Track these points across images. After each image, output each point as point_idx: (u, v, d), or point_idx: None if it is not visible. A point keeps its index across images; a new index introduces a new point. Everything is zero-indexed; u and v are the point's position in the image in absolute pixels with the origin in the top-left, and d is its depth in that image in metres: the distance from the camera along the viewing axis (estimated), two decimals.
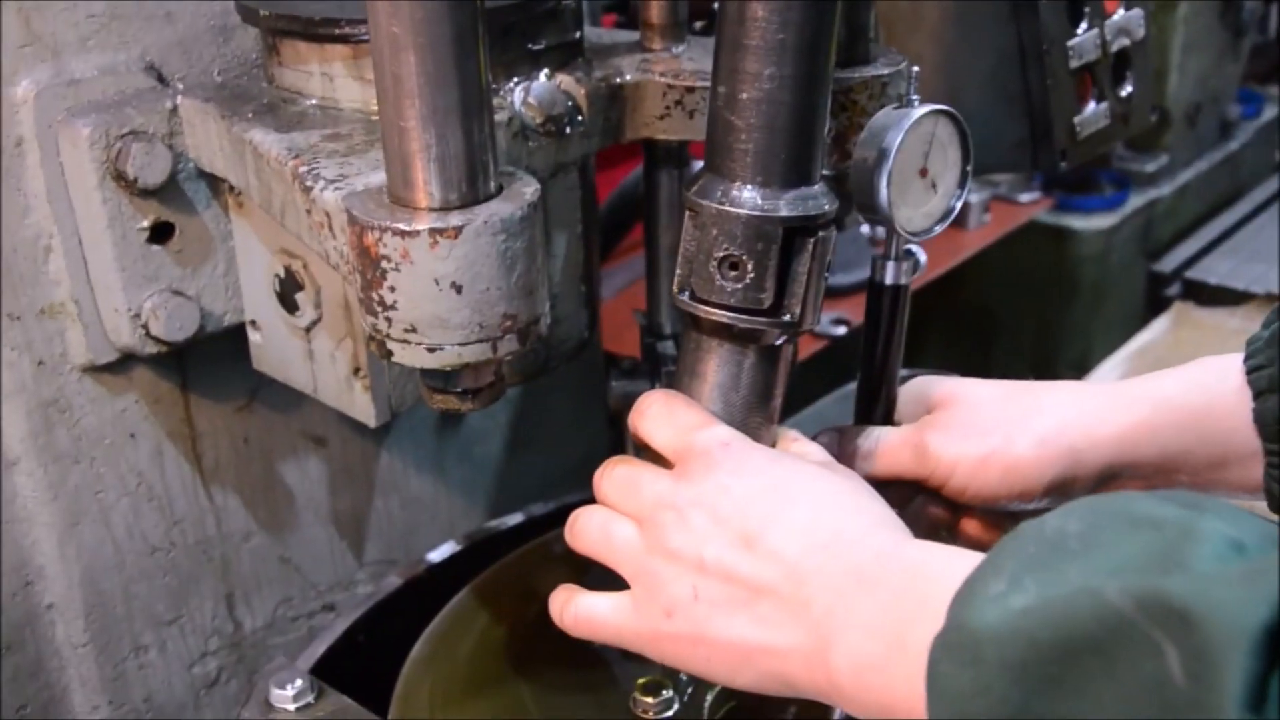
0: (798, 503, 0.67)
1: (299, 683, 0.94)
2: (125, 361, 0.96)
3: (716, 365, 0.76)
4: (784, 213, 0.70)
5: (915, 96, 0.78)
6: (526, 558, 1.06)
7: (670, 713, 0.90)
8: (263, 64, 0.91)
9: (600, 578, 0.77)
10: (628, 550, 0.72)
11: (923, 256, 0.82)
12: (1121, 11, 1.17)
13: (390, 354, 0.71)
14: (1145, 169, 2.10)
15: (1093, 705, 0.47)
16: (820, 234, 0.72)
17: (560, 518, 1.16)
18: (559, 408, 1.32)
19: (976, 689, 0.50)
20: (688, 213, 0.73)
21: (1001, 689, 0.49)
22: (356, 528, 1.16)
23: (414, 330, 0.70)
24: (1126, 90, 1.18)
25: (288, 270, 0.90)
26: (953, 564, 0.60)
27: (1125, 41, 1.17)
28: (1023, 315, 2.03)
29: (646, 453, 0.76)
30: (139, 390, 0.98)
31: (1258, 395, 0.75)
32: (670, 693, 0.91)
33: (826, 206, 0.72)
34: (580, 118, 0.86)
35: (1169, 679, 0.44)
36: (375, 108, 0.74)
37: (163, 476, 1.02)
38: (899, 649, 0.58)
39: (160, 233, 0.91)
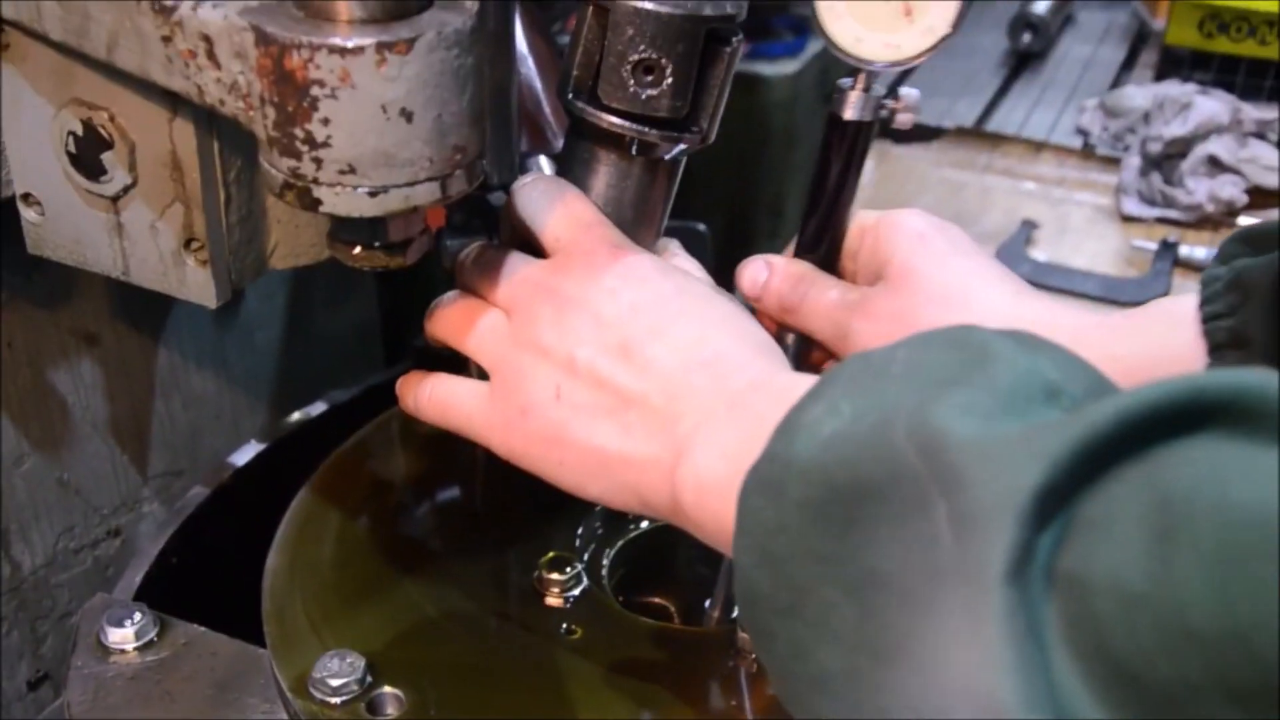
0: (684, 318, 0.62)
1: (138, 617, 0.80)
2: None
3: (609, 179, 0.71)
4: (708, 11, 0.65)
5: None
6: (363, 446, 0.95)
7: (579, 588, 0.83)
8: None
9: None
10: (492, 339, 0.65)
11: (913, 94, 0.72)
12: None
13: (318, 203, 0.59)
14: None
15: (879, 554, 0.42)
16: (734, 41, 0.68)
17: (364, 405, 1.06)
18: (324, 284, 1.18)
19: (778, 525, 0.46)
20: (590, 10, 0.66)
21: (799, 527, 0.45)
22: (138, 436, 0.99)
23: (352, 171, 0.58)
24: None
25: (87, 126, 0.73)
26: None
27: None
28: (719, 162, 2.02)
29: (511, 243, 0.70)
30: None
31: (1214, 349, 0.66)
32: (577, 566, 0.84)
33: (735, 8, 0.67)
34: None
35: (938, 538, 0.40)
36: None
37: None
38: (739, 473, 0.51)
39: None
